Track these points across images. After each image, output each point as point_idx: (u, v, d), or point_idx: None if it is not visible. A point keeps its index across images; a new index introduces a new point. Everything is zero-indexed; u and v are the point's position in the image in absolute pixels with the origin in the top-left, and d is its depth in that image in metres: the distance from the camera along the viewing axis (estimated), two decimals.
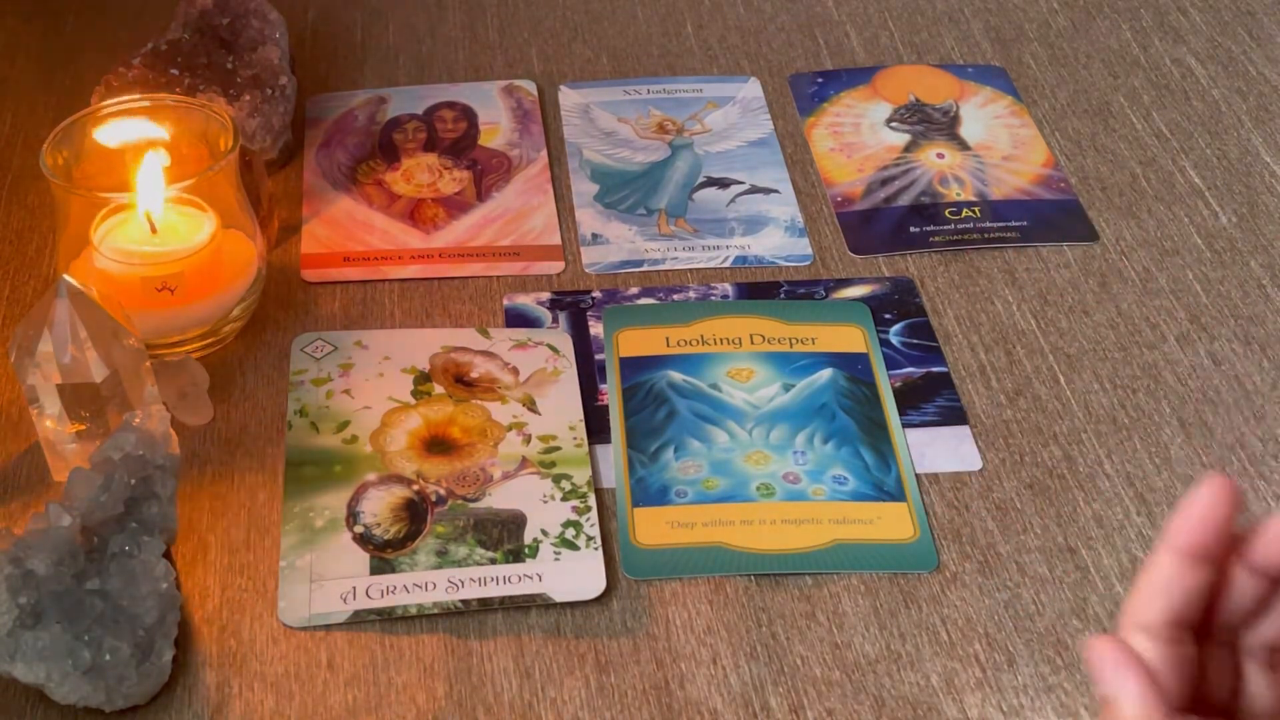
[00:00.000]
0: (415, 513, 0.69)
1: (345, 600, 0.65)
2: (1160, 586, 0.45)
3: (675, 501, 0.70)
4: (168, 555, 0.64)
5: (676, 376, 0.76)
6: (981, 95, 0.96)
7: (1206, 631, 0.47)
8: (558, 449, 0.72)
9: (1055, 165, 0.91)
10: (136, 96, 0.78)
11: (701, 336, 0.78)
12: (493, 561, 0.67)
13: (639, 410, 0.74)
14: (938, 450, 0.73)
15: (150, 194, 0.73)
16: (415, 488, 0.70)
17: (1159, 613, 0.45)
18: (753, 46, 1.00)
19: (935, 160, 0.91)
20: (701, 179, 0.90)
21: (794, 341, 0.78)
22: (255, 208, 0.79)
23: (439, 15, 1.03)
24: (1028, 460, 0.73)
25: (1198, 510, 0.45)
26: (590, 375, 0.76)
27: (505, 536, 0.68)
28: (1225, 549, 0.45)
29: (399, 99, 0.95)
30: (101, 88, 0.85)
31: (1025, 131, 0.93)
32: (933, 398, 0.76)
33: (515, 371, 0.76)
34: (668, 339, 0.78)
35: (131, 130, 0.76)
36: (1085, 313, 0.80)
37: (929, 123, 0.94)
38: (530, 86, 0.96)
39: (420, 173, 0.89)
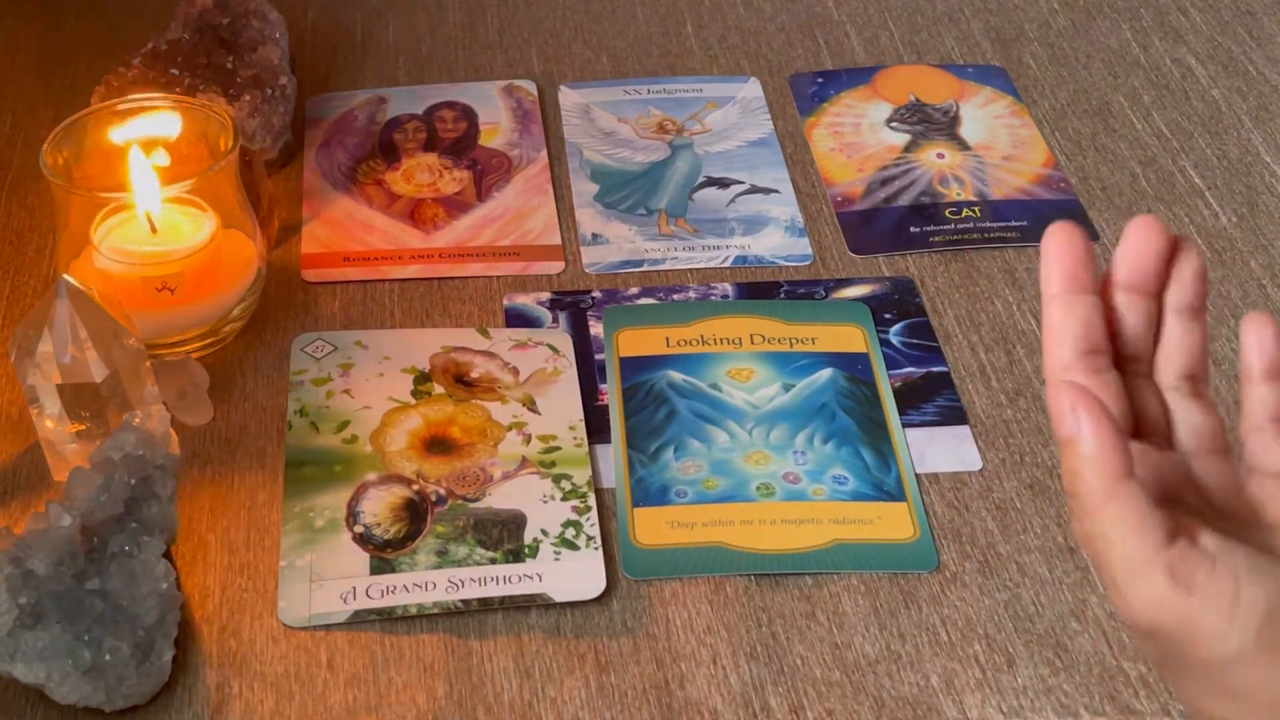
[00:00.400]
0: (415, 513, 0.69)
1: (345, 600, 0.65)
2: (1056, 329, 0.48)
3: (675, 501, 0.70)
4: (168, 555, 0.64)
5: (676, 376, 0.76)
6: (981, 95, 0.96)
7: (1125, 366, 0.49)
8: (558, 449, 0.72)
9: (1055, 165, 0.91)
10: (136, 96, 0.78)
11: (701, 336, 0.78)
12: (493, 561, 0.67)
13: (639, 410, 0.74)
14: (938, 450, 0.73)
15: (146, 193, 0.73)
16: (415, 487, 0.70)
17: (1069, 350, 0.47)
18: (753, 46, 1.00)
19: (935, 160, 0.91)
20: (701, 179, 0.90)
21: (794, 341, 0.78)
22: (255, 208, 0.79)
23: (439, 15, 1.03)
24: (1028, 460, 0.73)
25: (1052, 253, 0.48)
26: (590, 375, 0.76)
27: (505, 536, 0.68)
28: (1095, 279, 0.48)
29: (399, 99, 0.95)
30: (101, 88, 0.85)
31: (1025, 131, 0.93)
32: (933, 398, 0.76)
33: (515, 371, 0.76)
34: (668, 339, 0.78)
35: (132, 130, 0.76)
36: None
37: (929, 123, 0.94)
38: (530, 86, 0.96)
39: (420, 173, 0.89)
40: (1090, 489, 0.45)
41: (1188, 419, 0.49)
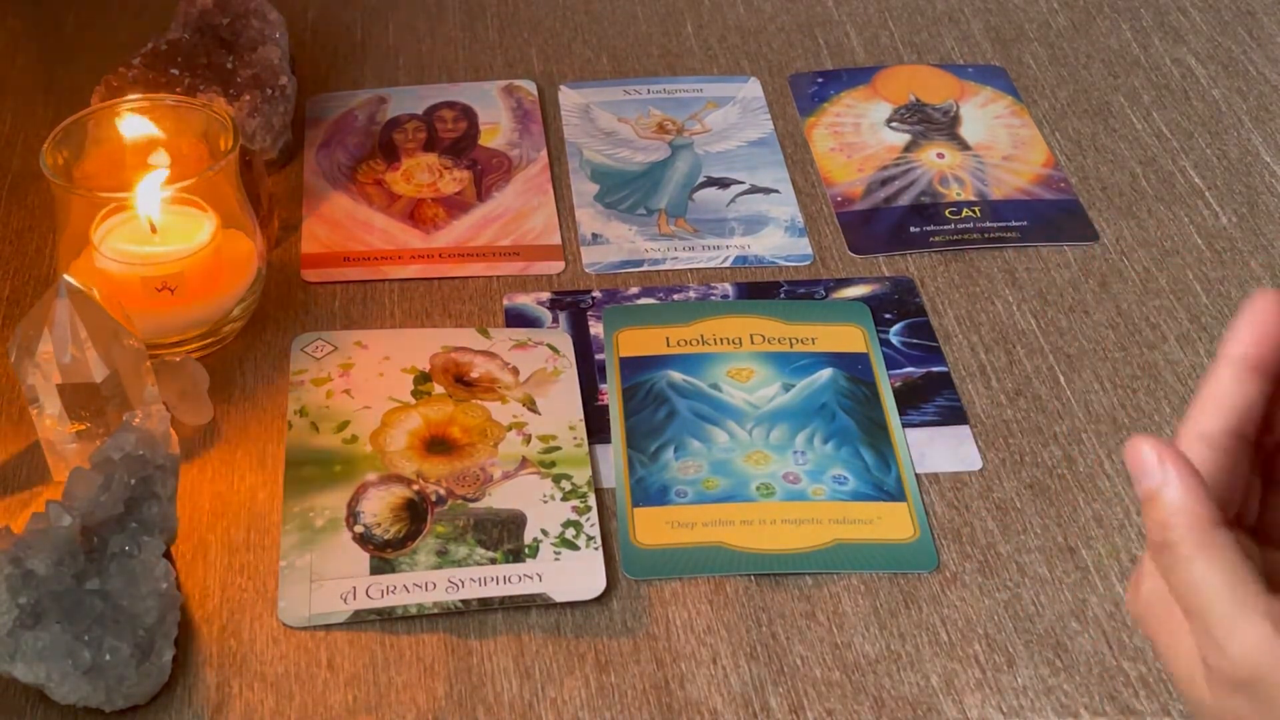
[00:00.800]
0: (415, 512, 0.69)
1: (345, 600, 0.65)
2: (1218, 397, 0.46)
3: (675, 501, 0.70)
4: (168, 555, 0.64)
5: (676, 376, 0.76)
6: (981, 95, 0.96)
7: (1264, 455, 0.48)
8: (558, 449, 0.72)
9: (1055, 165, 0.91)
10: (136, 96, 0.78)
11: (701, 336, 0.78)
12: (493, 561, 0.67)
13: (639, 410, 0.74)
14: (938, 450, 0.73)
15: (150, 199, 0.73)
16: (415, 487, 0.70)
17: (1218, 422, 0.46)
18: (753, 46, 1.00)
19: (935, 160, 0.91)
20: (701, 179, 0.90)
21: (794, 341, 0.78)
22: (255, 208, 0.79)
23: (439, 15, 1.03)
24: (1028, 460, 0.73)
25: (1249, 322, 0.46)
26: (590, 375, 0.76)
27: (505, 536, 0.68)
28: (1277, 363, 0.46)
29: (399, 99, 0.95)
30: (101, 88, 0.85)
31: (1025, 131, 0.93)
32: (933, 398, 0.76)
33: (515, 371, 0.76)
34: (668, 339, 0.78)
35: (132, 130, 0.76)
36: (1085, 313, 0.81)
37: (929, 123, 0.94)
38: (530, 86, 0.96)
39: (420, 173, 0.89)
40: (1181, 538, 0.44)
41: None
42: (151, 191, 0.73)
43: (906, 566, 0.68)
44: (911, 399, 0.75)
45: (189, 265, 0.73)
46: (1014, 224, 0.86)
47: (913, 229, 0.86)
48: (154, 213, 0.74)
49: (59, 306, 0.64)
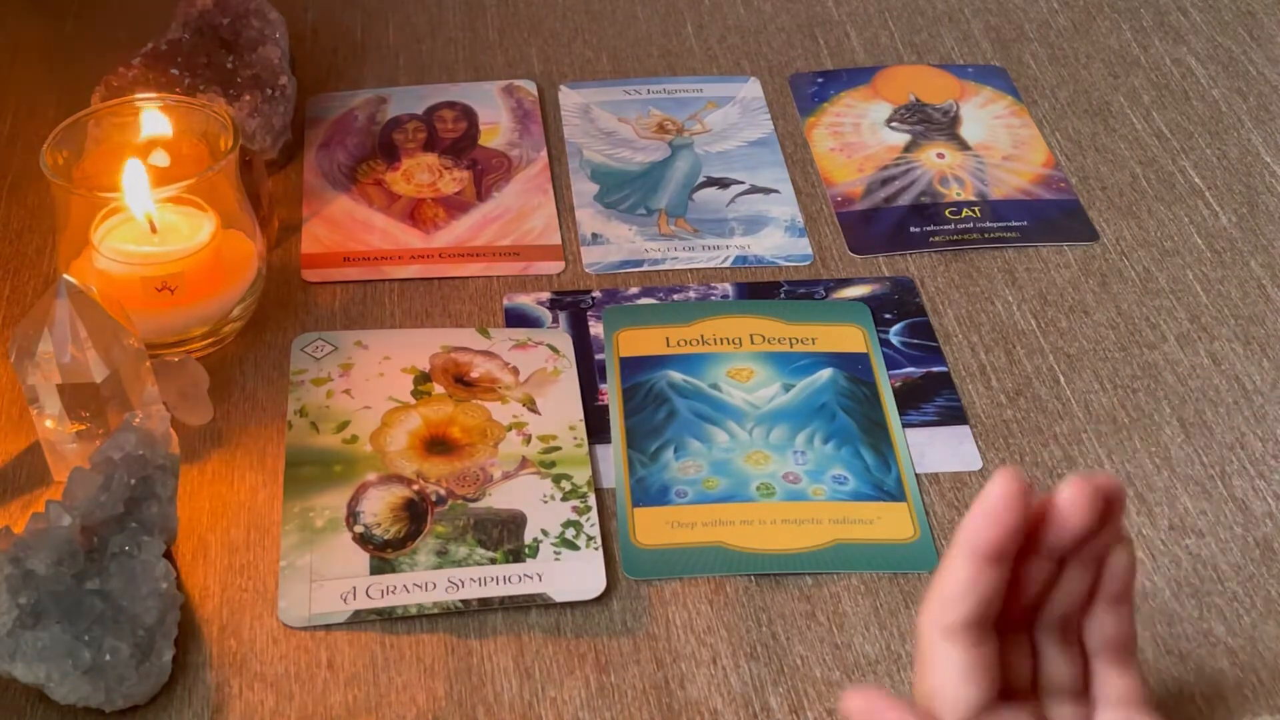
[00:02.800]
0: (415, 513, 0.69)
1: (345, 600, 0.65)
2: (960, 591, 0.46)
3: (675, 501, 0.70)
4: (168, 555, 0.64)
5: (676, 376, 0.76)
6: (981, 95, 0.96)
7: (1006, 621, 0.47)
8: (558, 449, 0.72)
9: (1055, 165, 0.91)
10: (136, 96, 0.78)
11: (701, 336, 0.78)
12: (493, 561, 0.67)
13: (639, 410, 0.74)
14: (938, 450, 0.73)
15: (140, 197, 0.73)
16: (415, 488, 0.70)
17: (961, 616, 0.46)
18: (753, 46, 1.00)
19: (935, 160, 0.91)
20: (701, 179, 0.90)
21: (794, 341, 0.78)
22: (255, 208, 0.79)
23: (439, 15, 1.03)
24: (1028, 460, 0.73)
25: (991, 511, 0.45)
26: (590, 375, 0.76)
27: (505, 536, 0.68)
28: (1019, 544, 0.46)
29: (399, 99, 0.95)
30: (101, 88, 0.85)
31: (1025, 131, 0.93)
32: (933, 398, 0.76)
33: (515, 371, 0.76)
34: (668, 339, 0.78)
35: (150, 125, 0.76)
36: (1085, 313, 0.81)
37: (929, 123, 0.94)
38: (530, 86, 0.96)
39: (420, 173, 0.89)
40: None
41: (1055, 667, 0.49)
42: (138, 181, 0.73)
43: (906, 566, 0.68)
44: (911, 399, 0.75)
45: (189, 265, 0.73)
46: (1014, 224, 0.86)
47: (913, 229, 0.86)
48: (149, 206, 0.74)
49: (59, 306, 0.65)
